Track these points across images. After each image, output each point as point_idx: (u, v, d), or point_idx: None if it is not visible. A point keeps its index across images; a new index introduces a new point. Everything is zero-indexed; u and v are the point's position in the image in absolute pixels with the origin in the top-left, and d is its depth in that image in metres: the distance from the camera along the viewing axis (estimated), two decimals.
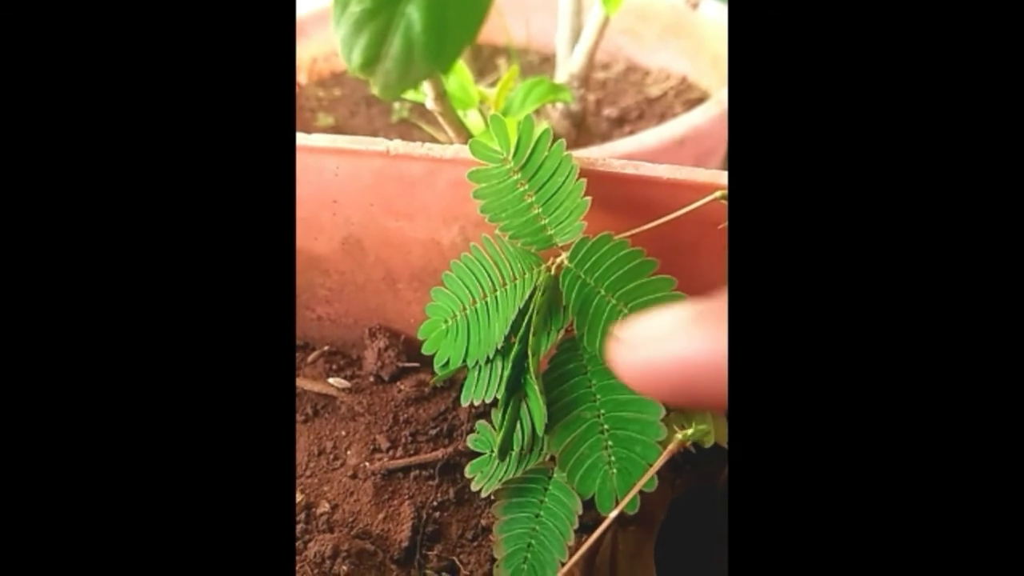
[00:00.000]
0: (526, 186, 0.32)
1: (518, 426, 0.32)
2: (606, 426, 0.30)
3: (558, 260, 0.31)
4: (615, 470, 0.29)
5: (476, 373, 0.34)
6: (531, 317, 0.30)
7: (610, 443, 0.29)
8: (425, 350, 0.35)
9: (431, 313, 0.36)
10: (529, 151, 0.32)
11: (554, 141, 0.32)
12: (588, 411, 0.30)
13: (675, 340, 0.20)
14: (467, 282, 0.34)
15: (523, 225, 0.32)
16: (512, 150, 0.32)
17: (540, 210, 0.32)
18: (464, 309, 0.34)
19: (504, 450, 0.32)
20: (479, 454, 0.36)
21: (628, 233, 0.31)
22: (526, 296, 0.31)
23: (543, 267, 0.32)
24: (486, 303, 0.34)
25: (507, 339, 0.32)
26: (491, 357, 0.33)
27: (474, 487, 0.33)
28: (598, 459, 0.30)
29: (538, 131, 0.32)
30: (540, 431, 0.31)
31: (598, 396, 0.30)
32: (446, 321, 0.35)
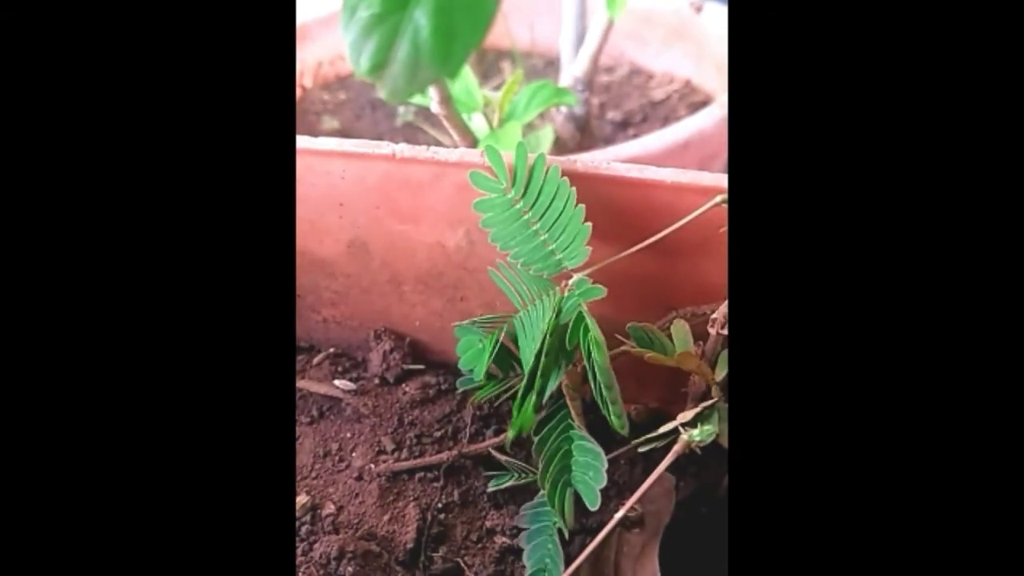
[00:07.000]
0: (529, 214, 0.32)
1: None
2: (575, 454, 0.33)
3: (570, 283, 0.32)
4: (578, 486, 0.32)
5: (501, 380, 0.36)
6: (543, 357, 0.31)
7: (572, 468, 0.33)
8: (462, 366, 0.36)
9: (460, 334, 0.36)
10: (527, 179, 0.32)
11: (550, 165, 0.32)
12: (565, 442, 0.33)
13: None
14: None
15: (532, 252, 0.32)
16: (511, 179, 0.32)
17: (546, 236, 0.32)
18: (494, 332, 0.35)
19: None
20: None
21: (632, 250, 0.31)
22: (545, 320, 0.32)
23: (556, 290, 0.32)
24: (515, 323, 0.34)
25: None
26: (519, 372, 0.34)
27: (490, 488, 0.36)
28: (564, 482, 0.33)
29: (532, 158, 0.32)
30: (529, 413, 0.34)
31: (573, 428, 0.33)
32: (480, 341, 0.35)
